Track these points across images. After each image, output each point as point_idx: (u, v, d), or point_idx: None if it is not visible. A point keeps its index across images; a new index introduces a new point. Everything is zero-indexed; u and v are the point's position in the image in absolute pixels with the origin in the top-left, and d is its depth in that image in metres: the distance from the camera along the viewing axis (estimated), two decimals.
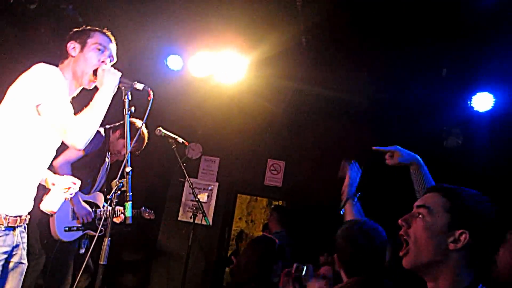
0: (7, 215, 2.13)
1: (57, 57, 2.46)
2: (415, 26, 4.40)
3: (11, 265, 2.21)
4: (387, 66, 5.12)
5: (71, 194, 2.43)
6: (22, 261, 2.29)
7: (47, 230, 3.55)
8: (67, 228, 3.65)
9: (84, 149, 3.51)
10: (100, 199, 4.07)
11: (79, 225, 3.77)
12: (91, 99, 2.29)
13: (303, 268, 2.95)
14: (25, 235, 2.33)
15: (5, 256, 2.13)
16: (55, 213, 2.39)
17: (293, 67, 5.35)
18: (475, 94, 5.07)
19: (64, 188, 2.39)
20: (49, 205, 2.36)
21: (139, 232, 5.91)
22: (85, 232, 3.86)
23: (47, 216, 3.48)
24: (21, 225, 2.26)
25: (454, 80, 5.08)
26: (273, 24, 4.73)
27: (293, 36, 4.80)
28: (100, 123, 2.29)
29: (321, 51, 5.07)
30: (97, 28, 2.49)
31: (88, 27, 2.48)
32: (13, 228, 2.19)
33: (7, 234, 2.14)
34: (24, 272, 2.31)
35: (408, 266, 1.49)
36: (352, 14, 4.49)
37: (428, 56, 4.78)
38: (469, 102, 5.10)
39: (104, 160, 4.09)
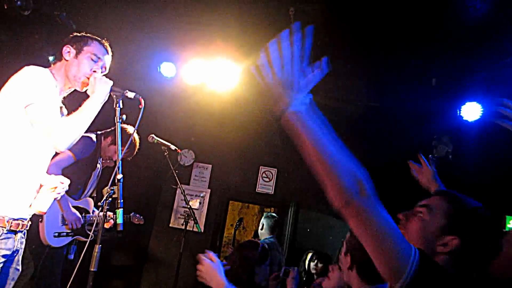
0: (10, 218, 2.15)
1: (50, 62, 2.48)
2: (405, 36, 4.46)
3: (6, 269, 2.23)
4: (378, 76, 5.18)
5: (59, 193, 2.41)
6: (17, 267, 2.31)
7: (36, 235, 3.53)
8: (56, 234, 3.63)
9: (75, 155, 3.54)
10: (90, 204, 4.07)
11: (69, 231, 3.75)
12: (81, 104, 2.32)
13: (289, 272, 3.00)
14: (24, 241, 2.35)
15: (4, 260, 2.15)
16: (44, 213, 2.39)
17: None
18: (464, 104, 5.15)
19: (50, 188, 2.38)
20: (38, 205, 2.35)
21: (130, 238, 5.90)
22: (74, 237, 3.85)
23: (36, 221, 3.48)
24: (22, 231, 2.28)
25: (443, 89, 5.15)
26: (266, 32, 4.77)
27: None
28: (86, 129, 2.31)
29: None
30: (96, 37, 2.52)
31: (88, 35, 2.51)
32: (15, 233, 2.21)
33: (8, 238, 2.16)
34: (16, 278, 2.32)
35: None
36: (344, 23, 4.55)
37: (418, 65, 4.85)
38: (458, 112, 5.17)
39: (96, 166, 4.09)
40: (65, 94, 2.50)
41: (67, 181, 2.45)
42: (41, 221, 3.52)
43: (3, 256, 2.13)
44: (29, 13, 4.45)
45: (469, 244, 1.47)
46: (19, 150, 2.17)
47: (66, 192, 3.61)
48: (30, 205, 2.33)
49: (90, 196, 4.12)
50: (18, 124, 2.17)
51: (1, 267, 2.14)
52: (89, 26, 4.90)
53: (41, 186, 2.42)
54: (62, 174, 3.60)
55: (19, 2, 4.32)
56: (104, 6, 4.65)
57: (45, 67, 2.34)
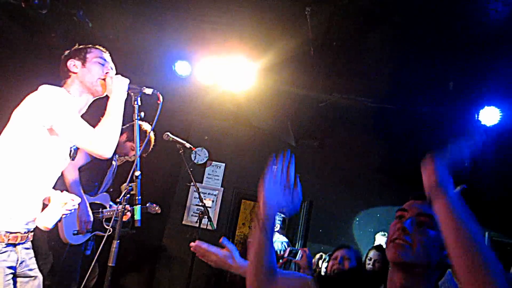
0: (6, 232, 2.14)
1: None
2: (423, 38, 4.41)
3: (19, 279, 2.24)
4: (395, 78, 5.13)
5: (69, 210, 2.41)
6: (32, 274, 2.30)
7: (55, 233, 3.56)
8: (75, 232, 3.66)
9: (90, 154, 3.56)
10: (107, 199, 4.10)
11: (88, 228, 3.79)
12: (104, 109, 2.32)
13: (297, 252, 2.97)
14: (30, 251, 2.34)
15: (12, 271, 2.15)
16: (49, 229, 2.38)
17: (300, 75, 5.38)
18: (482, 108, 5.07)
19: (62, 203, 2.37)
20: (44, 221, 2.33)
21: (144, 235, 5.94)
22: (93, 233, 3.88)
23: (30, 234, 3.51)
24: (23, 242, 2.26)
25: (461, 93, 5.09)
26: (281, 31, 4.77)
27: (301, 44, 4.83)
28: (120, 129, 2.32)
29: (329, 59, 5.10)
30: (91, 45, 2.53)
31: (82, 46, 2.52)
32: (14, 245, 2.20)
33: (10, 251, 2.16)
34: (42, 285, 2.32)
35: (399, 258, 1.51)
36: (361, 24, 4.52)
37: (436, 69, 4.79)
38: (476, 116, 5.09)
39: (111, 163, 4.12)
40: (84, 110, 2.50)
41: (77, 200, 2.44)
42: (60, 221, 3.55)
43: (9, 267, 2.14)
44: (46, 12, 4.50)
45: None
46: (24, 167, 2.17)
47: (83, 189, 3.67)
48: (35, 219, 2.32)
49: (106, 192, 4.16)
50: (29, 143, 2.17)
51: (12, 278, 2.15)
52: (105, 25, 4.94)
53: (49, 201, 2.41)
54: (79, 173, 3.65)
55: (36, 1, 4.37)
56: (119, 5, 4.69)
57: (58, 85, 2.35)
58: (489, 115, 5.05)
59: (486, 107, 5.07)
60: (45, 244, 3.58)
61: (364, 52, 4.87)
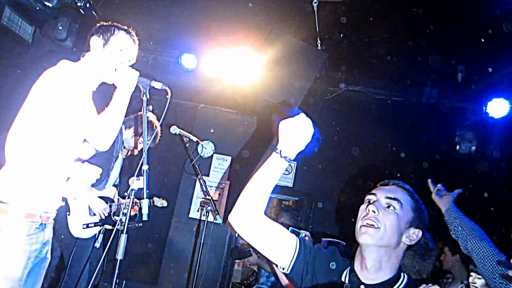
0: (43, 213, 2.19)
1: (74, 53, 2.49)
2: (432, 29, 4.38)
3: (39, 260, 2.26)
4: (402, 69, 5.10)
5: (92, 180, 2.42)
6: (47, 255, 2.34)
7: (65, 228, 3.58)
8: (84, 226, 3.68)
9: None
10: (114, 193, 4.11)
11: (97, 221, 3.80)
12: (111, 96, 2.33)
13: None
14: (52, 231, 2.39)
15: (36, 253, 2.18)
16: (76, 199, 2.42)
17: (307, 67, 5.35)
18: (490, 100, 5.02)
19: (85, 174, 2.38)
20: (71, 191, 2.38)
21: (150, 228, 5.97)
22: (102, 227, 3.91)
23: (64, 214, 3.54)
24: (52, 222, 2.32)
25: (469, 85, 5.05)
26: (288, 23, 4.74)
27: (308, 36, 4.80)
28: (121, 122, 2.33)
29: (336, 51, 5.07)
30: (123, 27, 2.50)
31: (115, 24, 2.50)
32: (46, 225, 2.25)
33: (40, 231, 2.20)
34: (46, 266, 2.35)
35: (371, 241, 1.69)
36: (367, 15, 4.49)
37: (444, 60, 4.75)
38: (484, 108, 5.05)
39: (117, 156, 4.12)
40: (94, 88, 2.51)
41: (99, 170, 2.46)
42: (69, 214, 3.57)
43: (36, 250, 2.17)
44: (53, 5, 4.50)
45: (423, 235, 1.75)
46: (45, 144, 2.19)
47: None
48: (62, 191, 2.36)
49: (113, 185, 4.17)
50: (50, 121, 2.18)
51: (34, 260, 2.18)
52: (111, 17, 4.93)
53: (72, 173, 2.43)
54: None
55: None
56: None
57: (75, 59, 2.36)
58: (498, 107, 5.00)
59: (494, 99, 5.02)
60: (54, 238, 3.61)
61: (372, 44, 4.83)
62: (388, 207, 1.72)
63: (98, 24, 2.50)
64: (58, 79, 2.20)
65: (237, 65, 5.33)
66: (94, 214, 3.78)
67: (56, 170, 2.26)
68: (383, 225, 1.69)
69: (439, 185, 2.96)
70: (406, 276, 1.73)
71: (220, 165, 6.61)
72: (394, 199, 1.73)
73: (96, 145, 2.27)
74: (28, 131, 2.16)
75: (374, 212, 1.71)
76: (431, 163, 5.42)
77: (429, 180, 3.01)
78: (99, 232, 3.95)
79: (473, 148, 5.49)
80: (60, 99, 2.17)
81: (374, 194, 1.79)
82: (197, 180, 6.39)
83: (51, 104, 2.17)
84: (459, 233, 2.59)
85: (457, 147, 5.65)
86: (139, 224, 4.96)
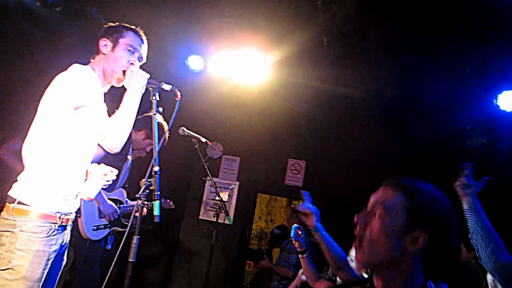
0: (62, 214, 2.20)
1: (82, 58, 2.49)
2: (440, 23, 4.34)
3: (56, 262, 2.27)
4: (410, 65, 5.06)
5: (108, 181, 2.45)
6: (64, 258, 2.37)
7: (76, 230, 3.60)
8: (95, 227, 3.71)
9: (104, 149, 3.58)
10: (123, 195, 4.12)
11: (106, 223, 3.82)
12: (121, 98, 2.33)
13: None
14: (69, 233, 2.39)
15: (55, 255, 2.20)
16: (92, 199, 2.43)
17: (314, 67, 5.34)
18: (500, 93, 4.97)
19: (102, 174, 2.41)
20: (87, 192, 2.39)
21: (161, 230, 5.97)
22: (112, 229, 3.92)
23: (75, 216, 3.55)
24: (71, 224, 2.34)
25: (479, 78, 4.99)
26: (294, 24, 4.73)
27: (314, 36, 4.79)
28: (132, 124, 2.32)
29: (342, 50, 5.05)
30: (131, 27, 2.50)
31: (122, 24, 2.49)
32: (65, 227, 2.27)
33: (60, 233, 2.22)
34: (62, 268, 2.37)
35: (361, 263, 1.45)
36: (373, 13, 4.46)
37: (453, 53, 4.70)
38: (494, 101, 5.00)
39: (126, 157, 4.13)
40: (105, 90, 2.51)
41: (115, 171, 2.48)
42: (79, 216, 3.59)
43: (54, 251, 2.18)
44: (60, 10, 4.53)
45: (436, 233, 1.39)
46: (62, 146, 2.21)
47: None
48: (79, 192, 2.37)
49: (122, 187, 4.18)
50: (65, 123, 2.20)
51: (52, 261, 2.19)
52: (118, 21, 4.95)
53: (88, 174, 2.45)
54: None
55: None
56: (131, 1, 4.69)
57: (84, 63, 2.37)
58: (508, 100, 4.95)
59: (504, 92, 4.97)
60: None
61: (378, 40, 4.80)
62: (375, 213, 1.45)
63: (106, 26, 2.50)
64: (71, 82, 2.21)
65: (244, 66, 5.33)
66: (103, 216, 3.80)
67: (74, 171, 2.28)
68: (366, 239, 1.42)
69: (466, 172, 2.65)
70: (432, 283, 1.45)
71: (229, 165, 6.61)
72: (377, 203, 1.47)
73: (107, 147, 2.27)
74: (45, 135, 2.19)
75: (358, 224, 1.47)
76: (441, 158, 5.37)
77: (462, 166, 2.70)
78: (109, 233, 3.97)
79: (484, 142, 5.44)
80: (74, 102, 2.19)
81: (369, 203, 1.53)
82: (206, 181, 6.40)
83: (66, 106, 2.19)
84: (478, 242, 2.38)
85: (468, 141, 5.61)
86: (150, 226, 4.98)
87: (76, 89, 2.19)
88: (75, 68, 2.26)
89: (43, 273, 2.11)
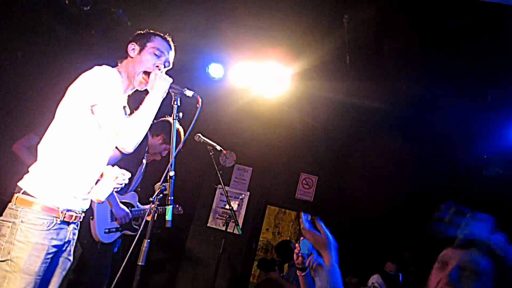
0: (64, 209, 2.21)
1: (106, 58, 2.53)
2: (462, 50, 4.32)
3: (60, 259, 2.29)
4: (432, 86, 5.03)
5: (120, 184, 2.45)
6: (69, 257, 2.36)
7: (87, 231, 3.61)
8: (107, 230, 3.71)
9: (121, 151, 3.59)
10: (135, 199, 4.13)
11: (118, 226, 3.83)
12: (141, 101, 2.36)
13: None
14: (76, 232, 2.40)
15: (55, 250, 2.20)
16: (102, 201, 2.43)
17: (333, 80, 5.34)
18: None
19: (113, 177, 2.42)
20: (97, 193, 2.39)
21: (168, 236, 5.97)
22: (122, 232, 3.92)
23: (87, 217, 3.57)
24: (75, 222, 2.33)
25: (497, 108, 4.95)
26: (316, 38, 4.74)
27: (334, 49, 4.80)
28: (149, 127, 2.34)
29: (362, 64, 5.04)
30: (159, 33, 2.54)
31: (151, 31, 2.54)
32: (68, 224, 2.27)
33: (61, 228, 2.22)
34: (68, 268, 2.37)
35: None
36: (397, 32, 4.45)
37: (475, 79, 4.67)
38: None
39: (141, 161, 4.14)
40: (130, 92, 2.55)
41: (128, 174, 2.49)
42: (92, 219, 3.60)
43: (54, 246, 2.18)
44: (88, 9, 4.60)
45: None
46: (78, 144, 2.23)
47: None
48: (89, 192, 2.38)
49: (134, 191, 4.19)
50: (81, 121, 2.23)
51: (52, 257, 2.19)
52: (143, 24, 5.02)
53: (102, 175, 2.46)
54: None
55: None
56: (158, 6, 4.75)
57: (112, 65, 2.41)
58: None
59: None
60: (78, 241, 3.64)
61: (401, 60, 4.79)
62: (467, 276, 1.35)
63: (135, 33, 2.55)
64: (89, 80, 2.25)
65: (264, 77, 5.35)
66: (115, 219, 3.80)
67: (86, 169, 2.30)
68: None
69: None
70: None
71: (241, 175, 6.60)
72: (471, 267, 1.37)
73: (120, 146, 2.28)
74: (61, 131, 2.22)
75: (450, 285, 1.34)
76: (457, 186, 5.31)
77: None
78: (119, 237, 3.97)
79: (500, 172, 5.37)
80: (90, 99, 2.21)
81: (446, 260, 1.41)
82: (217, 189, 6.40)
83: (83, 104, 2.22)
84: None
85: (484, 170, 5.54)
86: (158, 231, 4.98)
87: (93, 87, 2.22)
88: (99, 68, 2.29)
89: (41, 267, 2.10)
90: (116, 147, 2.40)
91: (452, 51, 4.40)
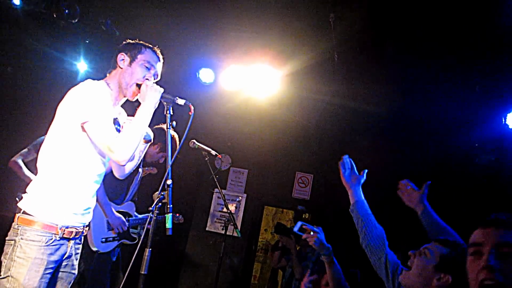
0: (62, 226, 2.22)
1: (98, 69, 2.54)
2: (449, 41, 4.37)
3: (60, 274, 2.30)
4: (420, 81, 5.09)
5: None
6: (72, 271, 2.37)
7: (85, 241, 3.60)
8: (103, 239, 3.71)
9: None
10: (132, 208, 4.13)
11: (115, 235, 3.83)
12: (134, 111, 2.37)
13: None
14: (79, 246, 2.42)
15: (55, 265, 2.21)
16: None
17: (324, 81, 5.38)
18: (510, 112, 4.97)
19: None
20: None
21: (167, 241, 5.98)
22: (120, 241, 3.93)
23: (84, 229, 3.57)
24: (77, 238, 2.35)
25: (488, 97, 5.00)
26: (305, 39, 4.78)
27: (324, 50, 4.84)
28: (142, 138, 2.35)
29: (352, 65, 5.09)
30: (149, 45, 2.55)
31: (141, 42, 2.54)
32: (68, 239, 2.28)
33: (61, 245, 2.23)
34: (72, 282, 2.39)
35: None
36: (384, 29, 4.50)
37: (462, 72, 4.73)
38: (503, 120, 5.00)
39: (137, 170, 4.15)
40: (121, 104, 2.56)
41: None
42: (88, 229, 3.60)
43: (54, 261, 2.20)
44: (76, 21, 4.61)
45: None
46: (72, 161, 2.25)
47: (109, 198, 3.72)
48: (89, 207, 2.39)
49: (131, 200, 4.20)
50: (74, 138, 2.25)
51: (54, 272, 2.21)
52: (131, 33, 5.04)
53: None
54: (104, 180, 3.65)
55: (67, 11, 4.50)
56: (145, 14, 4.77)
57: (100, 78, 2.41)
58: None
59: None
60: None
61: (389, 57, 4.84)
62: (506, 257, 1.35)
63: (124, 42, 2.55)
64: (78, 97, 2.25)
65: (254, 80, 5.38)
66: (112, 229, 3.81)
67: (81, 185, 2.31)
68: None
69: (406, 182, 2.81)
70: None
71: (237, 178, 6.63)
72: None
73: (115, 160, 2.28)
74: (54, 149, 2.24)
75: (491, 270, 1.33)
76: (449, 175, 5.37)
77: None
78: (117, 246, 3.97)
79: (492, 160, 5.43)
80: (80, 117, 2.21)
81: (479, 244, 1.42)
82: (214, 193, 6.42)
83: (73, 122, 2.22)
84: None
85: (476, 159, 5.60)
86: (157, 238, 4.98)
87: (81, 104, 2.22)
88: (86, 83, 2.29)
89: (41, 282, 2.11)
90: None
91: (438, 45, 4.45)
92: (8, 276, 2.07)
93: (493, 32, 4.11)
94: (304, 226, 3.06)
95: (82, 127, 2.23)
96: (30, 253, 2.10)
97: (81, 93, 2.25)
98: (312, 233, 2.91)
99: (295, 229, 3.11)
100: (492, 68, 4.64)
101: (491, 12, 3.90)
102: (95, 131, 2.23)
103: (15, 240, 2.12)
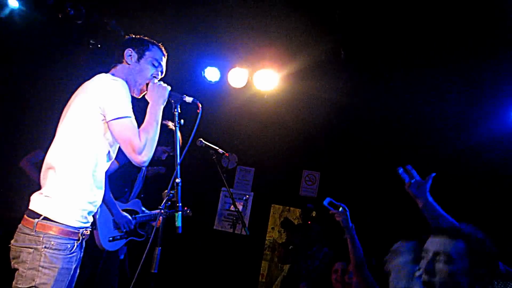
0: (82, 228, 2.18)
1: (101, 68, 2.49)
2: (455, 39, 4.35)
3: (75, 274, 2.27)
4: (426, 79, 5.06)
5: None
6: (77, 270, 2.33)
7: (93, 241, 3.61)
8: (111, 238, 3.72)
9: (118, 161, 3.55)
10: (138, 205, 4.13)
11: (122, 234, 3.83)
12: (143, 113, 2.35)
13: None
14: (84, 243, 2.38)
15: (76, 272, 2.20)
16: None
17: (329, 79, 5.36)
18: None
19: None
20: None
21: (176, 240, 5.97)
22: (128, 239, 3.94)
23: (91, 228, 3.57)
24: (87, 237, 2.30)
25: (491, 94, 4.98)
26: (310, 36, 4.77)
27: (330, 48, 4.83)
28: (158, 135, 2.31)
29: (358, 63, 5.07)
30: (154, 42, 2.52)
31: (147, 38, 2.51)
32: (82, 243, 2.24)
33: (79, 249, 2.20)
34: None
35: None
36: (390, 26, 4.48)
37: (470, 69, 4.70)
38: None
39: (140, 167, 4.10)
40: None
41: None
42: (95, 229, 3.59)
43: (75, 268, 2.17)
44: (81, 22, 4.63)
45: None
46: (92, 161, 2.19)
47: (114, 196, 3.72)
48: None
49: (137, 197, 4.19)
50: (97, 134, 2.20)
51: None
52: (136, 33, 5.04)
53: None
54: (108, 180, 3.62)
55: (72, 12, 4.51)
56: (150, 13, 4.77)
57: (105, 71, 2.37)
58: None
59: None
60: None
61: (395, 54, 4.82)
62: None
63: (129, 36, 2.51)
64: (112, 94, 2.19)
65: (259, 78, 5.37)
66: (118, 227, 3.81)
67: (96, 184, 2.25)
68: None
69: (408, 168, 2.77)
70: None
71: (244, 176, 6.63)
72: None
73: (138, 161, 2.20)
74: (80, 145, 2.16)
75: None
76: (454, 170, 5.34)
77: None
78: (125, 244, 3.97)
79: (497, 155, 5.40)
80: (117, 112, 2.16)
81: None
82: (221, 191, 6.42)
83: (107, 117, 2.16)
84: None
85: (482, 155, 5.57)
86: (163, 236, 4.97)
87: (115, 101, 2.16)
88: (107, 79, 2.23)
89: None
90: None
91: (443, 42, 4.43)
92: (32, 286, 2.01)
93: (499, 30, 4.09)
94: (332, 202, 3.23)
95: (109, 124, 2.16)
96: (57, 263, 2.05)
97: (113, 89, 2.19)
98: (341, 209, 3.27)
99: (325, 202, 3.24)
100: (499, 64, 4.61)
101: (496, 9, 3.88)
102: (124, 130, 2.16)
103: (36, 249, 2.03)
